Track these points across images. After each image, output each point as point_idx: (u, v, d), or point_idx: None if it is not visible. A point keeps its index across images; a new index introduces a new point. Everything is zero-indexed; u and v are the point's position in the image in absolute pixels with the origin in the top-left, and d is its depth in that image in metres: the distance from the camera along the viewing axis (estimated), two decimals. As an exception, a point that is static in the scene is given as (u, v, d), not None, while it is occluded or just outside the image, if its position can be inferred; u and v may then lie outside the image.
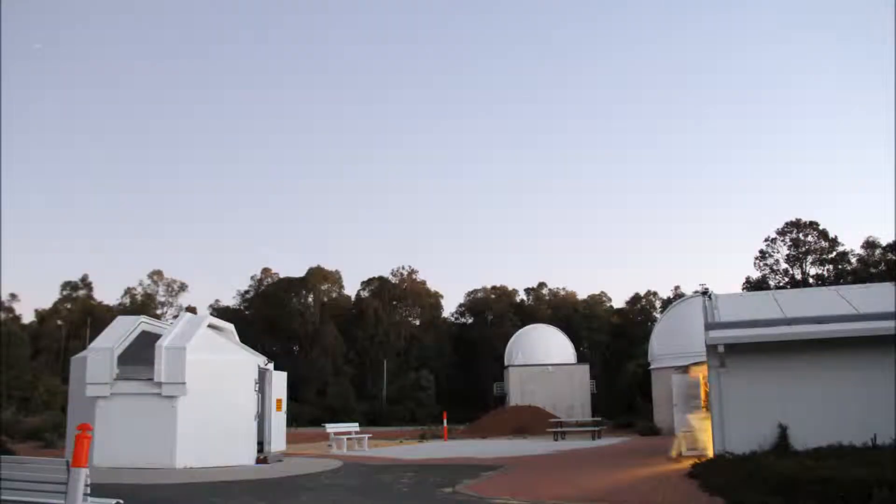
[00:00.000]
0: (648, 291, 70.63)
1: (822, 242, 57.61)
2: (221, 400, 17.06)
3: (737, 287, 56.32)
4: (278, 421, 19.61)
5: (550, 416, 35.02)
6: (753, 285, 55.39)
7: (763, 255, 58.78)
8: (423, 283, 72.72)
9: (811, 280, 55.91)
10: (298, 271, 69.60)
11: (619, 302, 72.35)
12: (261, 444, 18.41)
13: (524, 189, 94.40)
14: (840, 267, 56.51)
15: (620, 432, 32.95)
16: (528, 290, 74.21)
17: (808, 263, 57.81)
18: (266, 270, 71.24)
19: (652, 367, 35.93)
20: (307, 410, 49.70)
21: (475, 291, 73.88)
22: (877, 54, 77.44)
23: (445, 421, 33.16)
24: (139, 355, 17.06)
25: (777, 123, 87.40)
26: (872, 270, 52.29)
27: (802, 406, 13.91)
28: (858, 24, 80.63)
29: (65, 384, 27.06)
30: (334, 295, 71.15)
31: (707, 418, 15.78)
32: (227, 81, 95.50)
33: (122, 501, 7.77)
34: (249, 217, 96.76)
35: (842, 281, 51.04)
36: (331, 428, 25.59)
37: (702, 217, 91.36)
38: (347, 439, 24.54)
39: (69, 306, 67.54)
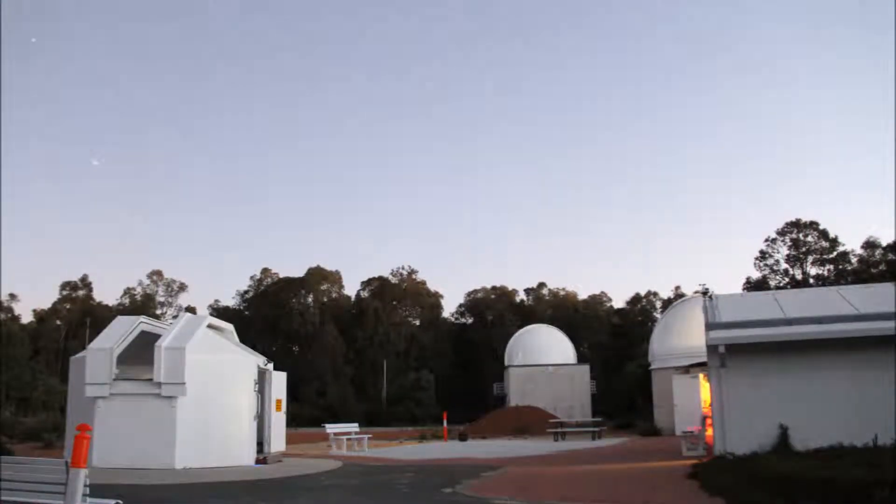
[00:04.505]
0: (649, 291, 70.78)
1: (823, 242, 57.61)
2: (221, 400, 17.04)
3: (737, 287, 56.40)
4: (278, 421, 19.58)
5: (550, 416, 35.00)
6: (754, 285, 55.37)
7: (763, 255, 58.81)
8: (423, 283, 72.78)
9: (811, 280, 55.88)
10: (298, 271, 69.65)
11: (619, 302, 72.47)
12: (260, 445, 18.38)
13: (524, 189, 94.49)
14: (840, 267, 56.49)
15: (620, 433, 32.93)
16: (528, 291, 74.25)
17: (808, 263, 57.81)
18: (266, 270, 71.29)
19: (652, 367, 35.90)
20: (307, 411, 49.62)
21: (475, 291, 73.90)
22: (877, 54, 77.45)
23: (445, 421, 33.11)
24: (139, 355, 17.04)
25: (777, 123, 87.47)
26: (873, 270, 52.24)
27: (803, 406, 13.89)
28: (859, 24, 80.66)
29: (64, 384, 27.03)
30: (334, 295, 71.11)
31: None
32: (227, 81, 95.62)
33: (121, 502, 7.76)
34: (249, 217, 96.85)
35: (842, 281, 51.00)
36: (330, 428, 25.56)
37: (702, 217, 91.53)
38: (347, 440, 24.51)
39: (68, 306, 67.59)
